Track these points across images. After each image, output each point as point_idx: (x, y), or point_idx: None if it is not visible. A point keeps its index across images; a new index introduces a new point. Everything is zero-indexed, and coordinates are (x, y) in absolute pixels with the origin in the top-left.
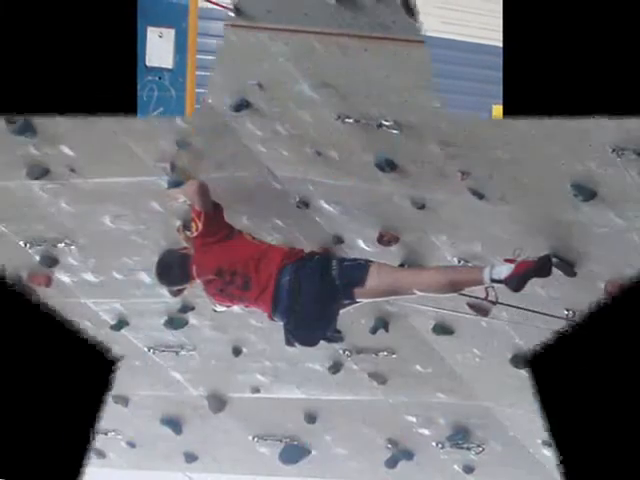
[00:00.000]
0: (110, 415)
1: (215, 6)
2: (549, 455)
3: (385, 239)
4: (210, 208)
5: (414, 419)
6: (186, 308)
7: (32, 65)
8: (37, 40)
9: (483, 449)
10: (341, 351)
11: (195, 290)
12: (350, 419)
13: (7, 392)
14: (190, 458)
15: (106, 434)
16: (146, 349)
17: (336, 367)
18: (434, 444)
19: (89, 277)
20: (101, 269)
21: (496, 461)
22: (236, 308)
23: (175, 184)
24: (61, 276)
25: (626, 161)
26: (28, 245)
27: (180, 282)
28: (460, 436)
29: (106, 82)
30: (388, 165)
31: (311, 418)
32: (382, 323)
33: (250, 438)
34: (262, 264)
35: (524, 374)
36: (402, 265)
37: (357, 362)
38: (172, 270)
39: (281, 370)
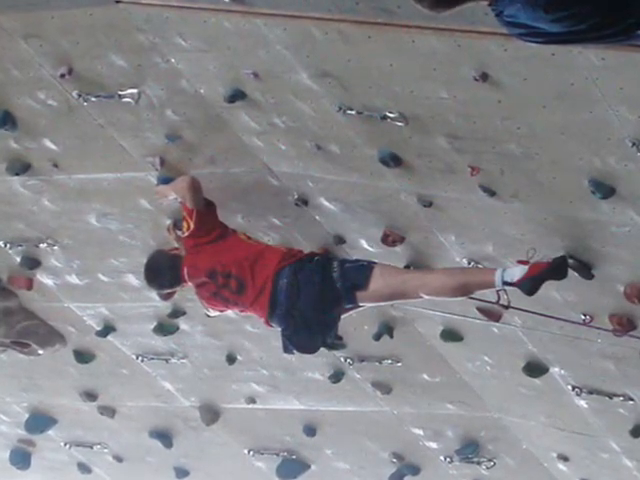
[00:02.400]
0: (96, 427)
1: None
2: (564, 470)
3: (390, 239)
4: (202, 206)
5: (420, 432)
6: (177, 313)
7: None
8: None
9: (494, 463)
10: (342, 359)
11: (186, 294)
12: (352, 431)
13: None
14: (181, 473)
15: (91, 447)
16: (134, 357)
17: (337, 376)
18: (442, 458)
19: (73, 280)
20: (86, 271)
21: (508, 476)
22: (230, 313)
23: (165, 180)
24: (43, 279)
25: None
26: (8, 245)
27: (170, 285)
28: (470, 450)
29: None
30: (393, 160)
31: (310, 430)
32: (386, 329)
33: (245, 452)
34: (258, 266)
35: (538, 383)
36: (408, 267)
37: (360, 371)
38: (162, 272)
39: (278, 379)
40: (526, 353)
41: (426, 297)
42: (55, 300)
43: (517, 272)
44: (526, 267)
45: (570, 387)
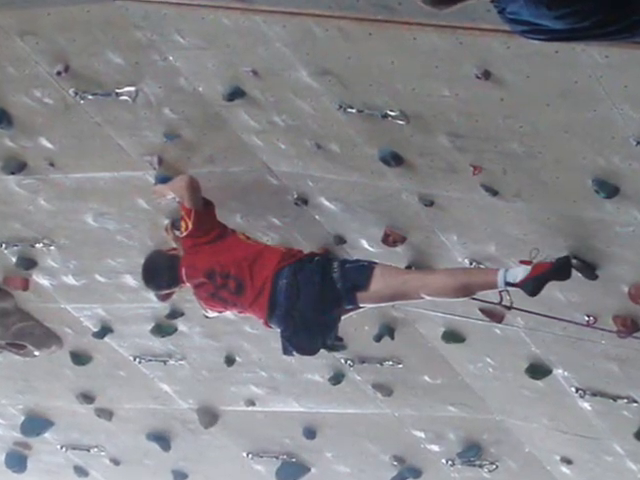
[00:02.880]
0: (93, 430)
1: None
2: (568, 473)
3: (391, 239)
4: (201, 205)
5: (422, 434)
6: (175, 314)
7: None
8: None
9: (497, 467)
10: (343, 360)
11: (184, 295)
12: (353, 434)
13: None
14: (179, 476)
15: (88, 450)
16: (131, 358)
17: (337, 378)
18: (444, 461)
19: (70, 280)
20: (83, 272)
21: (511, 479)
22: (229, 314)
23: (163, 180)
24: (39, 279)
25: None
26: (4, 246)
27: (168, 286)
28: (472, 453)
29: None
30: (394, 159)
31: (310, 433)
32: (387, 330)
33: (244, 455)
34: (257, 266)
35: (541, 385)
36: (409, 267)
37: (360, 372)
38: (159, 273)
39: (278, 381)
40: (529, 354)
41: (427, 298)
42: (51, 301)
43: (520, 272)
44: (529, 267)
45: (573, 389)
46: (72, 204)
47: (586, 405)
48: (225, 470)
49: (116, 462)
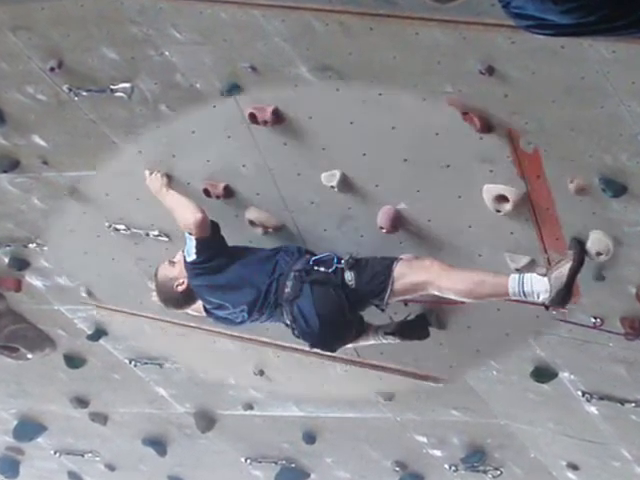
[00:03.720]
0: (87, 435)
1: None
2: (574, 479)
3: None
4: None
5: (424, 439)
6: None
7: None
8: None
9: (501, 472)
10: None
11: None
12: (353, 439)
13: None
14: None
15: (83, 456)
16: (127, 361)
17: None
18: (447, 467)
19: (63, 281)
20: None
21: None
22: None
23: None
24: (32, 280)
25: None
26: None
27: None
28: (476, 458)
29: None
30: None
31: (310, 438)
32: None
33: (242, 460)
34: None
35: (546, 389)
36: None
37: None
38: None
39: (277, 384)
40: (534, 357)
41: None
42: (45, 302)
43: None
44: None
45: (580, 393)
46: (66, 203)
47: (593, 409)
48: (223, 476)
49: (111, 467)
